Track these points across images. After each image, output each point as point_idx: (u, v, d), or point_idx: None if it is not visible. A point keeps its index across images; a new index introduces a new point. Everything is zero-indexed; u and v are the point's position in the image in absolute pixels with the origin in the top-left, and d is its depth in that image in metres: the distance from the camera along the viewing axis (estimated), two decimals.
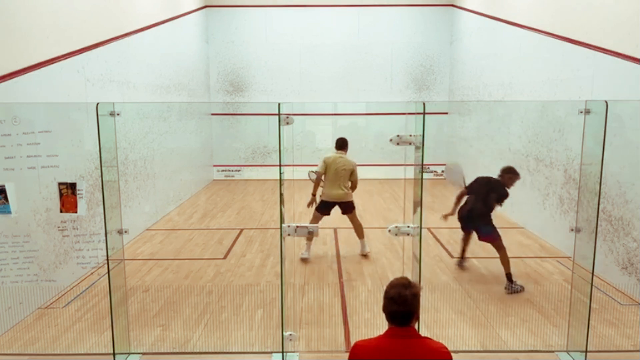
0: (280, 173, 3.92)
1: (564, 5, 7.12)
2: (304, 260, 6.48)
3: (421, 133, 3.81)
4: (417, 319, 2.51)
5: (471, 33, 11.34)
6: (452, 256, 6.71)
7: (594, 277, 4.03)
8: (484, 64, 10.34)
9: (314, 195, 6.79)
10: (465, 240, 6.25)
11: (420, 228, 3.91)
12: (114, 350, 4.04)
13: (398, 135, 3.82)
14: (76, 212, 3.89)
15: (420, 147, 3.85)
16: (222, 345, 4.35)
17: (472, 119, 11.47)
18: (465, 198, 6.05)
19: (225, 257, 6.75)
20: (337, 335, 4.51)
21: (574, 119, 4.17)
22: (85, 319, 4.84)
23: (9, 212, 3.90)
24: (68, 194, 3.87)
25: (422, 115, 3.78)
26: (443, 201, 10.46)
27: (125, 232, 4.06)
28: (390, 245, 7.15)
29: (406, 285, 2.42)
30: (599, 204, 3.97)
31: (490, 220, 5.89)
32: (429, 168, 12.86)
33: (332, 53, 13.01)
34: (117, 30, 7.26)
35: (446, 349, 2.39)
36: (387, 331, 2.44)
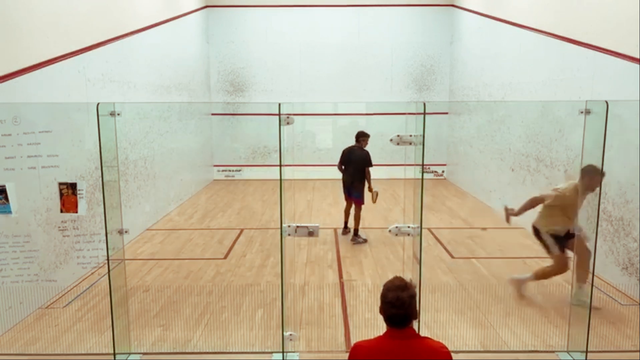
0: (280, 173, 3.92)
1: (564, 6, 7.12)
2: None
3: (421, 133, 3.81)
4: (415, 318, 2.52)
5: (471, 33, 11.34)
6: (452, 256, 6.72)
7: (594, 277, 4.03)
8: (484, 64, 10.34)
9: None
10: (348, 211, 7.66)
11: (421, 228, 3.92)
12: (114, 350, 4.04)
13: (398, 135, 3.82)
14: (76, 212, 3.89)
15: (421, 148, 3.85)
16: (222, 345, 4.35)
17: (473, 119, 11.46)
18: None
19: (225, 257, 6.75)
20: (338, 336, 4.51)
21: (574, 119, 4.17)
22: (86, 319, 4.84)
23: (10, 212, 3.90)
24: (68, 194, 3.88)
25: (422, 115, 3.78)
26: (443, 201, 10.47)
27: (126, 232, 4.06)
28: (390, 245, 7.15)
29: (403, 288, 2.41)
30: (599, 204, 3.97)
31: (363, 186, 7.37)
32: (429, 168, 12.86)
33: (332, 53, 13.01)
34: (118, 30, 7.27)
35: (446, 348, 2.39)
36: (386, 332, 2.44)
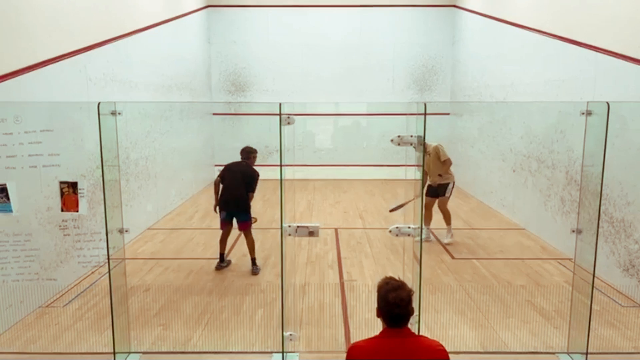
0: (281, 173, 3.92)
1: (565, 6, 7.11)
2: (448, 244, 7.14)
3: (422, 134, 3.81)
4: (412, 313, 2.54)
5: (473, 34, 11.33)
6: (453, 257, 6.71)
7: (595, 279, 4.02)
8: (486, 64, 10.33)
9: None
10: (225, 235, 6.29)
11: (421, 229, 3.92)
12: (114, 349, 4.04)
13: (399, 136, 3.82)
14: (77, 211, 3.89)
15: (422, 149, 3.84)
16: (222, 345, 4.35)
17: (474, 120, 11.46)
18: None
19: (226, 256, 6.74)
20: (338, 336, 4.51)
21: (576, 120, 4.17)
22: (86, 318, 4.85)
23: (10, 210, 3.91)
24: (69, 193, 3.88)
25: (423, 116, 3.78)
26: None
27: (126, 231, 4.06)
28: (391, 246, 7.15)
29: (401, 287, 2.45)
30: (600, 206, 3.96)
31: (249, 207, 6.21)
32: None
33: (333, 53, 13.01)
34: (119, 29, 7.27)
35: (442, 346, 2.41)
36: (382, 332, 2.46)
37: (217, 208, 6.24)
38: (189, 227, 8.39)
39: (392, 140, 3.83)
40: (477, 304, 5.17)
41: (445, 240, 7.26)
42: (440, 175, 7.14)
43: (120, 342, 4.10)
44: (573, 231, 4.15)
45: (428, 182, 7.27)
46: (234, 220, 6.23)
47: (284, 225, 3.96)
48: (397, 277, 2.54)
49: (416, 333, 2.70)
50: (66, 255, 5.36)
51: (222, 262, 6.29)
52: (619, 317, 4.87)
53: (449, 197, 7.27)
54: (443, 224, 7.38)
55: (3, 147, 3.87)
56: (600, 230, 4.06)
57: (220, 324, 4.73)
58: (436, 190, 7.24)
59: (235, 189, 6.11)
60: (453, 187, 7.28)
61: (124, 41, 7.36)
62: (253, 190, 6.23)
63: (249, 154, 6.32)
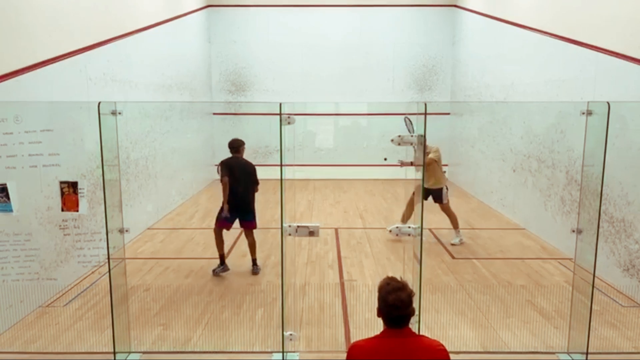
0: (281, 173, 3.92)
1: (566, 6, 7.11)
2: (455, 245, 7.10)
3: (422, 133, 3.81)
4: (413, 314, 2.53)
5: (474, 33, 11.33)
6: (453, 257, 6.71)
7: (595, 279, 4.02)
8: (486, 64, 10.33)
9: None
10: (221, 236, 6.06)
11: (422, 228, 3.91)
12: (114, 349, 4.04)
13: (399, 136, 3.82)
14: (77, 210, 3.89)
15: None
16: (222, 344, 4.35)
17: (474, 120, 11.45)
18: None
19: (226, 256, 6.74)
20: (338, 335, 4.51)
21: (576, 120, 4.17)
22: (86, 318, 4.85)
23: (11, 210, 3.91)
24: (69, 193, 3.88)
25: (423, 116, 3.78)
26: None
27: (127, 231, 4.06)
28: (391, 246, 7.15)
29: (401, 288, 2.43)
30: (600, 205, 3.96)
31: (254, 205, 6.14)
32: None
33: (334, 53, 13.01)
34: (120, 29, 7.27)
35: (442, 346, 2.41)
36: (383, 331, 2.45)
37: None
38: (189, 227, 8.39)
39: (392, 140, 3.83)
40: (477, 304, 5.17)
41: (453, 241, 7.21)
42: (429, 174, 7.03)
43: (121, 342, 4.10)
44: (573, 231, 4.15)
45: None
46: (236, 222, 6.13)
47: (284, 225, 3.96)
48: (399, 278, 2.53)
49: (416, 333, 2.69)
50: (66, 255, 5.36)
51: (223, 265, 6.03)
52: (619, 317, 4.87)
53: (447, 202, 7.25)
54: (444, 225, 7.38)
55: (3, 147, 3.87)
56: (600, 230, 4.06)
57: (220, 324, 4.73)
58: (427, 192, 7.14)
59: (241, 189, 5.97)
60: (447, 191, 7.27)
61: (124, 41, 7.36)
62: (257, 183, 6.15)
63: (240, 146, 6.11)
